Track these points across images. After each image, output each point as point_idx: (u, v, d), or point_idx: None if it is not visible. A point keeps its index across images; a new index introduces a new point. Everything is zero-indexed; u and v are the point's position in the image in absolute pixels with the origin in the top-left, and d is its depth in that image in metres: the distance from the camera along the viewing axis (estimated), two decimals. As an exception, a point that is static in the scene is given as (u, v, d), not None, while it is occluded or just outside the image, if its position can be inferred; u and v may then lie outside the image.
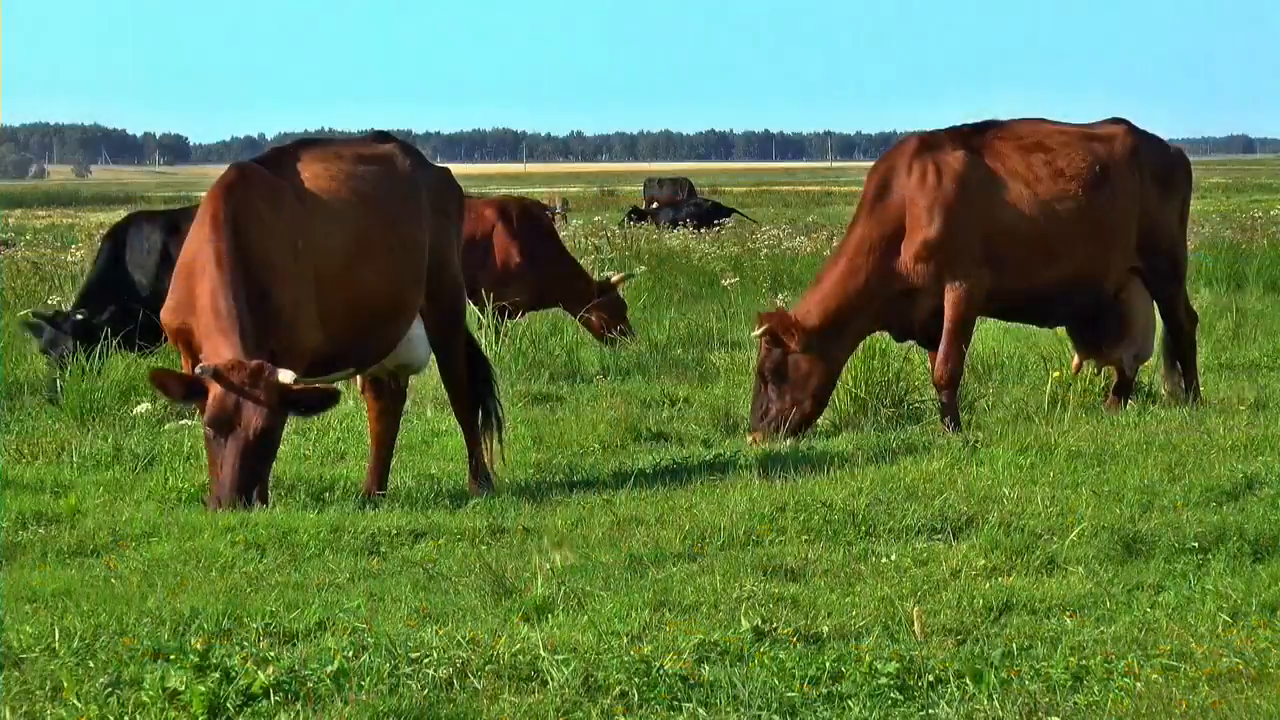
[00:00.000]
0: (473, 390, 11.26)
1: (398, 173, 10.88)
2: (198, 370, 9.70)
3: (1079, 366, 13.60)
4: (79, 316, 15.37)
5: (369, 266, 10.51)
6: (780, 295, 21.59)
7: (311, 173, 10.51)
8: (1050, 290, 13.05)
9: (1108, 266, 13.21)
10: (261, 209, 10.15)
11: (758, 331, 12.69)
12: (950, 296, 12.69)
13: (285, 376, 9.60)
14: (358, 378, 11.22)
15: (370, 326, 10.57)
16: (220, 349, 9.71)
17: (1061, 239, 12.97)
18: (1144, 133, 13.62)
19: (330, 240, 10.37)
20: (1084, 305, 13.28)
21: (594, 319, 18.66)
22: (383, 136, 11.29)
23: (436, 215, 10.99)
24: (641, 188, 56.61)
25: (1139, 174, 13.34)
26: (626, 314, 19.12)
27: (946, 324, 12.72)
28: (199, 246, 10.02)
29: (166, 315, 10.16)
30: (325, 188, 10.48)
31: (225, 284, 9.83)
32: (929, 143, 12.97)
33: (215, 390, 9.58)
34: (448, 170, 11.44)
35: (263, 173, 10.38)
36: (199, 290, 9.90)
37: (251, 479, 9.65)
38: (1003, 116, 13.49)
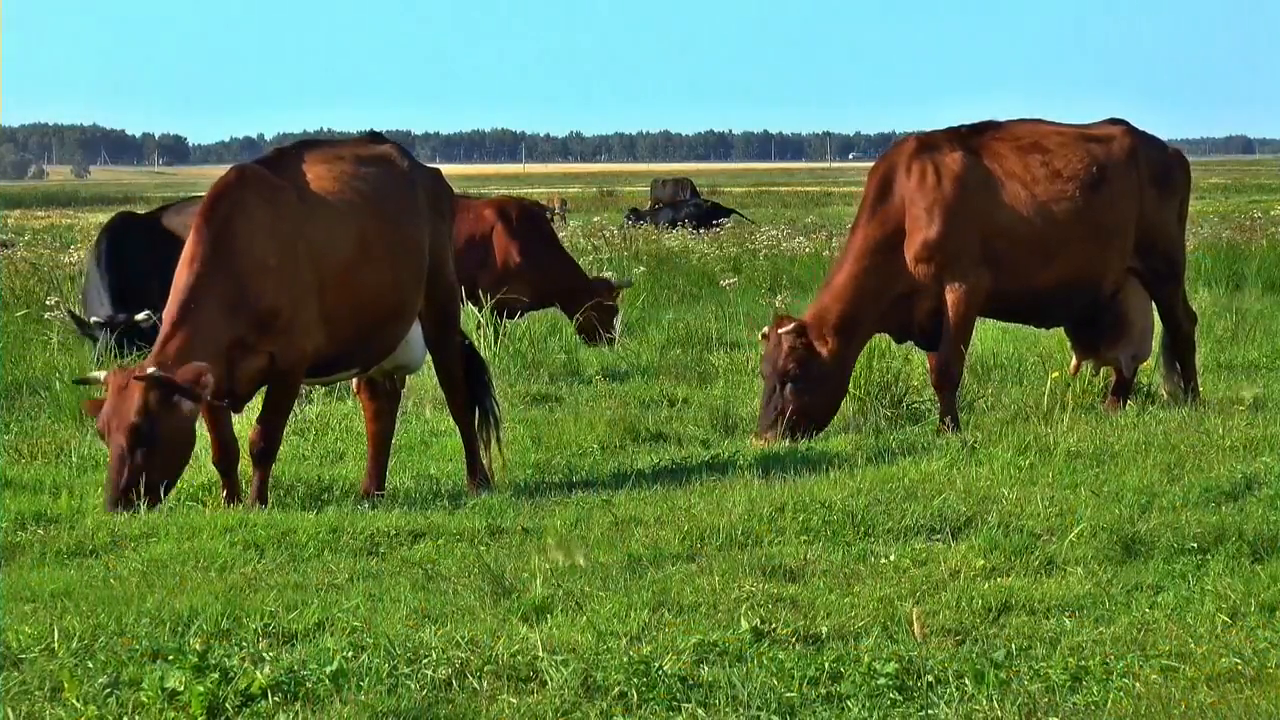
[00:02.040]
0: (469, 390, 11.29)
1: (398, 173, 10.92)
2: (88, 378, 10.39)
3: (1078, 368, 13.61)
4: (140, 318, 15.63)
5: (373, 267, 10.53)
6: (779, 296, 21.61)
7: (315, 174, 10.53)
8: (1048, 291, 13.05)
9: (1106, 267, 13.20)
10: (258, 211, 10.17)
11: (784, 330, 12.46)
12: (950, 297, 12.69)
13: (149, 370, 9.73)
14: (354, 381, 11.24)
15: (374, 327, 10.59)
16: (153, 352, 9.97)
17: (1059, 240, 12.96)
18: (1142, 133, 13.61)
19: (334, 241, 10.39)
20: (1082, 306, 13.28)
21: (586, 320, 18.67)
22: (376, 137, 11.31)
23: (433, 216, 11.03)
24: (648, 188, 56.64)
25: (1137, 175, 13.34)
26: (616, 319, 19.11)
27: (946, 325, 12.72)
28: (185, 249, 10.16)
29: None
30: (329, 189, 10.50)
31: (185, 287, 9.96)
32: (927, 144, 12.96)
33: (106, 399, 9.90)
34: (439, 171, 11.48)
35: (264, 174, 10.40)
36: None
37: (134, 478, 9.74)
38: (1002, 117, 13.49)
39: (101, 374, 10.12)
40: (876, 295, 12.66)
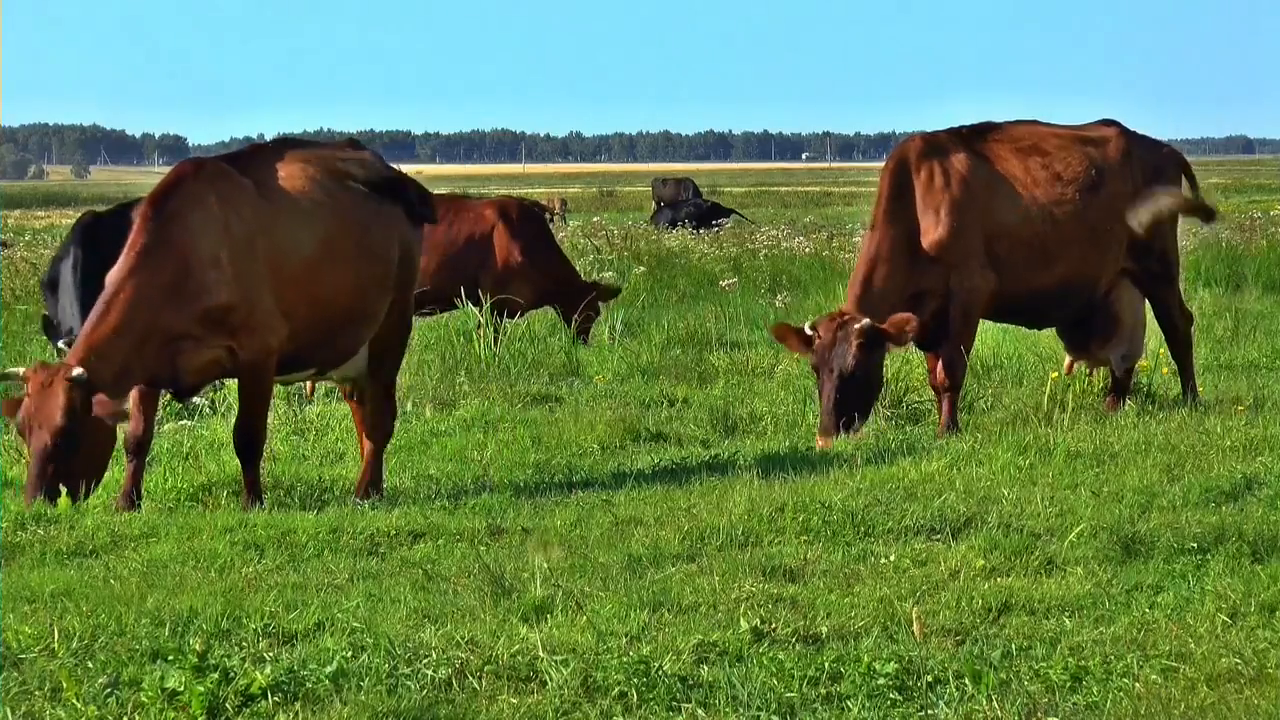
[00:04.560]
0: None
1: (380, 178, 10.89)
2: (7, 372, 10.20)
3: (1071, 367, 13.64)
4: None
5: (337, 269, 10.47)
6: (779, 296, 21.62)
7: (287, 172, 10.49)
8: (1045, 292, 13.04)
9: (1102, 270, 13.22)
10: (213, 205, 10.11)
11: (859, 326, 12.16)
12: (956, 298, 12.66)
13: (77, 373, 9.71)
14: (309, 383, 11.22)
15: (336, 329, 10.56)
16: (79, 342, 9.96)
17: (1058, 242, 12.97)
18: (1137, 134, 13.66)
19: (295, 240, 10.34)
20: (1077, 307, 13.29)
21: (584, 321, 18.74)
22: (355, 145, 11.26)
23: (406, 225, 10.99)
24: (649, 188, 56.64)
25: (1132, 177, 13.36)
26: (592, 325, 19.18)
27: (952, 326, 12.71)
28: (130, 235, 10.13)
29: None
30: (298, 188, 10.45)
31: (120, 276, 9.93)
32: (933, 144, 12.94)
33: (26, 394, 9.87)
34: (416, 181, 11.46)
35: (222, 168, 10.33)
36: None
37: (56, 476, 9.77)
38: (1002, 117, 13.50)
39: (21, 369, 10.10)
40: (896, 295, 12.56)
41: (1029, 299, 13.06)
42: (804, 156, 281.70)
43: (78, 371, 9.73)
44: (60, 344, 15.56)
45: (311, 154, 10.75)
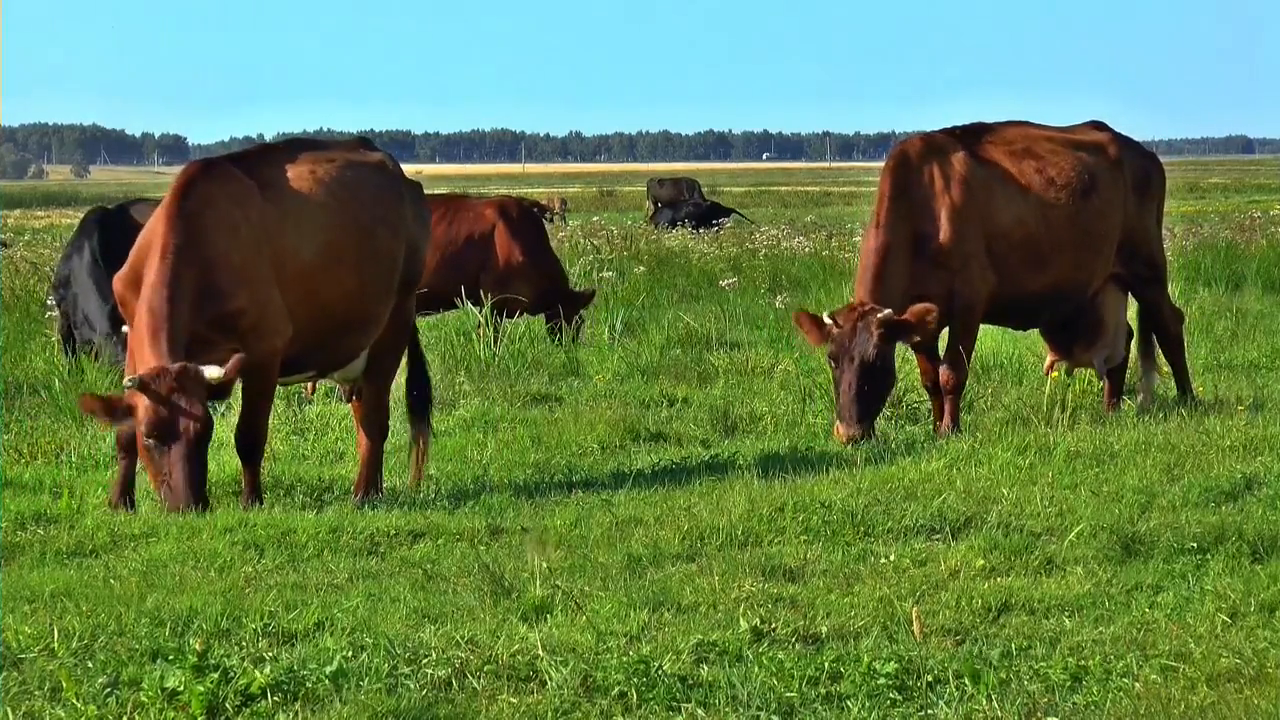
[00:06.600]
0: (416, 401, 11.25)
1: (385, 183, 10.85)
2: (125, 384, 9.71)
3: (1051, 366, 13.66)
4: None
5: (342, 273, 10.44)
6: (779, 296, 21.61)
7: (295, 173, 10.46)
8: (1038, 295, 13.03)
9: (1093, 274, 13.24)
10: (224, 207, 10.09)
11: (880, 315, 12.13)
12: (958, 299, 12.64)
13: (212, 373, 9.62)
14: (308, 384, 11.19)
15: (338, 332, 10.54)
16: (145, 351, 9.74)
17: (1051, 245, 12.97)
18: (1125, 139, 13.71)
19: (300, 242, 10.31)
20: (1066, 310, 13.30)
21: (575, 323, 18.77)
22: (367, 144, 11.25)
23: (416, 228, 10.98)
24: (646, 189, 56.59)
25: (1122, 181, 13.39)
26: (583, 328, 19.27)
27: (953, 327, 12.70)
28: (152, 238, 10.00)
29: (117, 284, 10.16)
30: (305, 189, 10.42)
31: (165, 281, 9.80)
32: (933, 145, 12.92)
33: (146, 403, 9.60)
34: (420, 185, 11.44)
35: (229, 170, 10.28)
36: (145, 279, 9.88)
37: (203, 478, 9.73)
38: (1003, 116, 13.54)
39: (134, 379, 9.76)
40: (906, 291, 12.54)
41: (1022, 301, 13.06)
42: (764, 157, 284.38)
43: (216, 371, 9.62)
44: (95, 339, 15.51)
45: (321, 155, 10.70)
